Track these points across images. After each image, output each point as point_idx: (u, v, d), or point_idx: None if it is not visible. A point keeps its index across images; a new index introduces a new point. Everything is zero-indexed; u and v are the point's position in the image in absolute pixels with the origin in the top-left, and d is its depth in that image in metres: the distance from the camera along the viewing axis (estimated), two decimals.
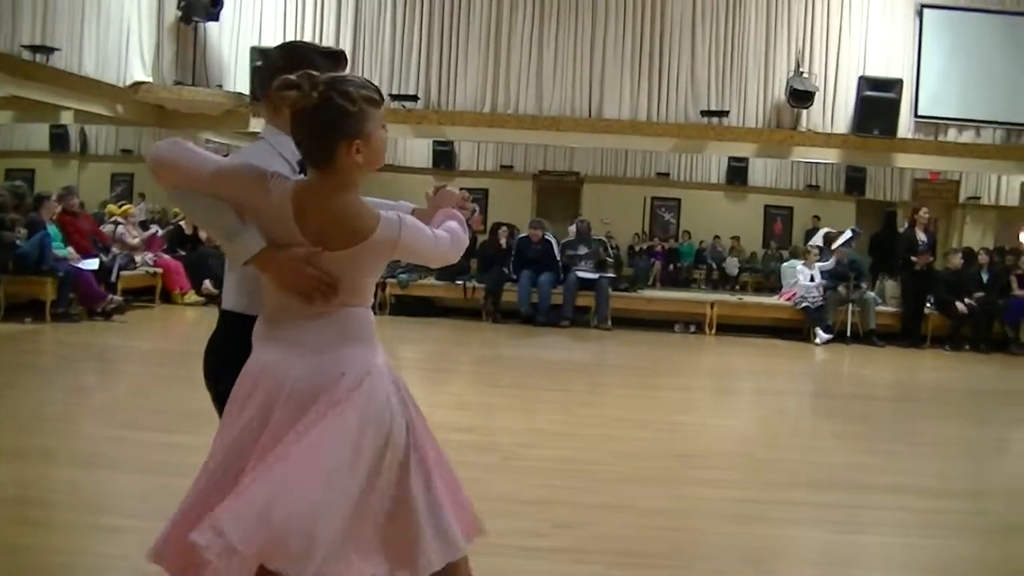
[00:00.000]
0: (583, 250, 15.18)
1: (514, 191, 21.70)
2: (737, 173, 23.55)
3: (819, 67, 15.61)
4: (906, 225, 16.02)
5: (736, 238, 23.71)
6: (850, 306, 14.66)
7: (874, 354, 13.88)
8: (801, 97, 15.16)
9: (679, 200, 24.75)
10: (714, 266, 23.48)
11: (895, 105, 15.33)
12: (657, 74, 15.67)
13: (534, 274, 14.65)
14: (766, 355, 13.37)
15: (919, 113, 15.70)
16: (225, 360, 3.02)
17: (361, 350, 2.87)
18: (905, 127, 15.61)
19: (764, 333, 14.82)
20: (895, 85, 15.32)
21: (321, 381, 2.78)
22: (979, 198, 23.53)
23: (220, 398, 3.00)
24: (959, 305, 14.72)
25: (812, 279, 14.95)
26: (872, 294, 15.06)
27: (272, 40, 15.29)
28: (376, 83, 2.93)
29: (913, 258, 14.76)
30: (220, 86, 15.68)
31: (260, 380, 2.82)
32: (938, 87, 15.70)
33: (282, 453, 2.67)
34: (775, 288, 16.80)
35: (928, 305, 15.04)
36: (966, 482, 6.55)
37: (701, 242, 24.19)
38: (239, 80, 15.75)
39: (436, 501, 2.87)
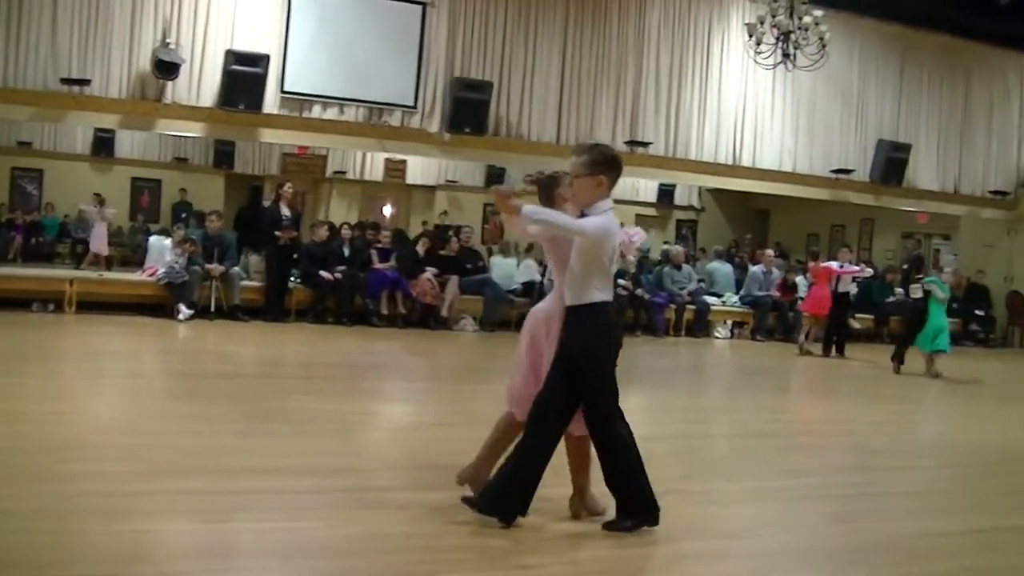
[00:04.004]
0: None
1: None
2: (103, 144, 23.29)
3: (186, 39, 15.79)
4: (272, 200, 16.67)
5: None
6: (214, 282, 15.06)
7: (239, 329, 14.65)
8: (167, 69, 15.31)
9: (42, 171, 24.11)
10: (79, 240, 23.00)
11: (262, 80, 15.90)
12: (15, 38, 15.01)
13: None
14: (128, 333, 13.61)
15: (285, 89, 16.44)
16: None
17: None
18: (271, 102, 16.21)
19: (128, 310, 14.83)
20: (262, 60, 15.88)
21: None
22: (345, 173, 24.96)
23: None
24: (324, 273, 15.62)
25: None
26: (237, 269, 15.59)
27: None
28: None
29: (277, 232, 15.54)
30: None
31: None
32: (304, 64, 16.46)
33: None
34: (143, 263, 16.83)
35: (292, 279, 15.81)
36: (333, 459, 6.94)
37: (66, 215, 23.60)
38: None
39: None
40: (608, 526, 5.55)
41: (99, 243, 19.53)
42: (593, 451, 5.67)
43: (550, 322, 5.65)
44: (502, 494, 5.46)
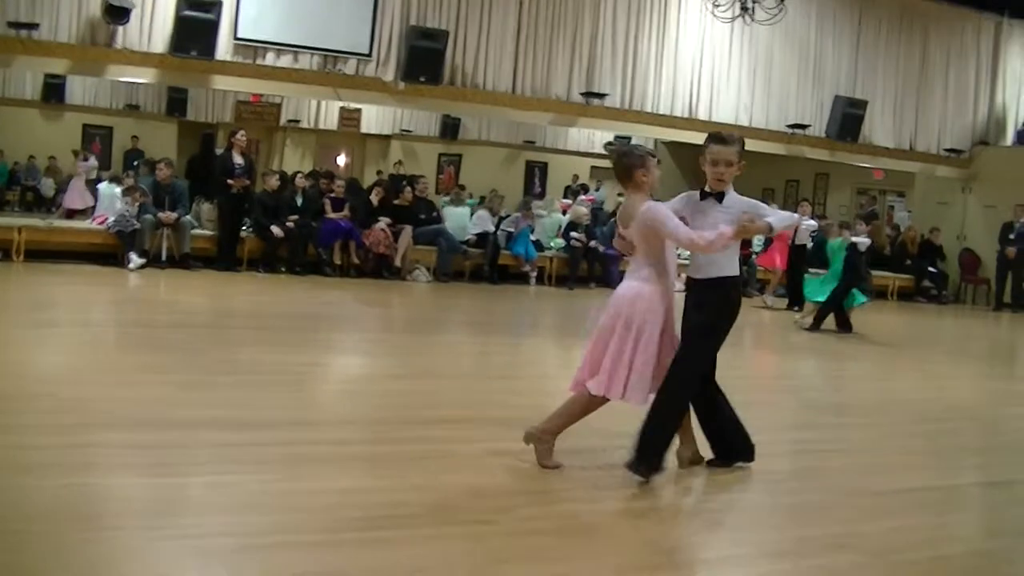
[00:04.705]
0: None
1: None
2: (54, 90, 22.88)
3: None
4: (224, 148, 16.46)
5: (53, 158, 23.02)
6: (165, 230, 14.86)
7: (189, 278, 14.49)
8: (117, 13, 14.96)
9: None
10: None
11: (214, 26, 15.59)
12: None
13: None
14: (78, 283, 13.43)
15: (238, 36, 16.14)
16: None
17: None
18: (224, 49, 15.91)
19: (77, 259, 14.60)
20: (215, 6, 15.60)
21: None
22: (299, 121, 24.71)
23: None
24: (274, 228, 15.43)
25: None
26: (188, 217, 15.39)
27: None
28: None
29: (230, 181, 15.32)
30: None
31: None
32: (258, 11, 16.17)
33: None
34: (94, 210, 16.62)
35: (244, 228, 15.62)
36: (283, 412, 6.82)
37: (15, 162, 23.21)
38: None
39: None
40: (628, 466, 5.64)
41: (73, 197, 19.26)
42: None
43: (653, 304, 5.73)
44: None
